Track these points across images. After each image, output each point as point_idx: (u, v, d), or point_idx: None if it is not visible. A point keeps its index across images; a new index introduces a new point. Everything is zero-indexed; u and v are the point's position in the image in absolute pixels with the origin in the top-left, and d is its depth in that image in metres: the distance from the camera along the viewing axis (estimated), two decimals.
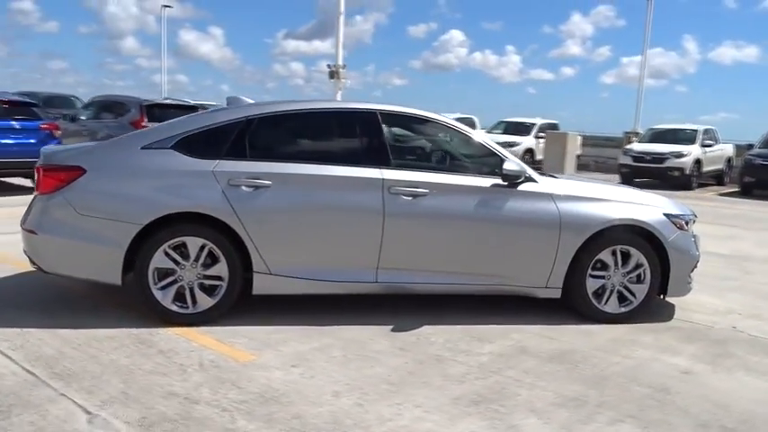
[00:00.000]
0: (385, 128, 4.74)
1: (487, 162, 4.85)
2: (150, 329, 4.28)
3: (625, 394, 3.69)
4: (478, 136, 4.88)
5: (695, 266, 5.15)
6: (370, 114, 4.75)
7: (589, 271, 4.84)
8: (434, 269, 4.71)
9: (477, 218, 4.70)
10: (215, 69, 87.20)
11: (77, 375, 3.57)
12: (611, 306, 4.92)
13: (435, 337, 4.44)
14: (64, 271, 4.43)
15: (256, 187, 4.42)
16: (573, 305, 4.92)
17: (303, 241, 4.53)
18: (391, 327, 4.57)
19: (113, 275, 4.33)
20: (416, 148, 5.10)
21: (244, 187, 4.39)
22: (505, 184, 4.71)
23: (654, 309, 5.12)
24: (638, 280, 4.93)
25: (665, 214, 4.99)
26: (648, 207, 5.02)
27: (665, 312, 5.24)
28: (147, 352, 3.94)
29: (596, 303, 4.89)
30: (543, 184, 4.84)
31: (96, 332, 4.20)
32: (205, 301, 4.42)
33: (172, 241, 4.33)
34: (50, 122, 10.82)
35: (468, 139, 4.92)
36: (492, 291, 4.84)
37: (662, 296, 5.05)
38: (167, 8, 35.61)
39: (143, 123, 11.45)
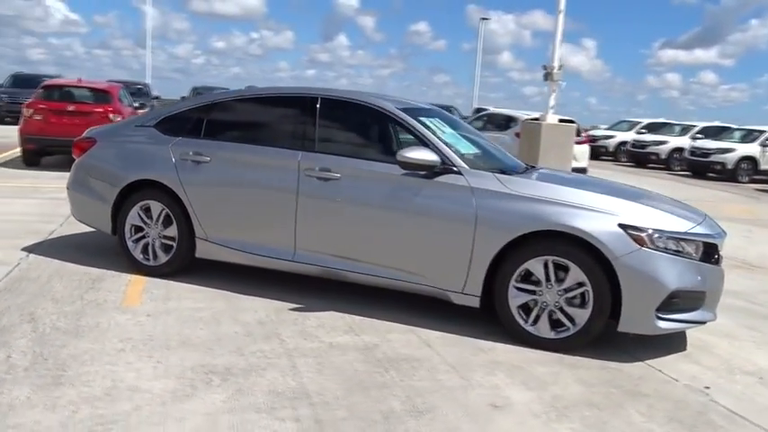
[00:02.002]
0: (322, 113, 4.83)
1: None
2: (112, 272, 5.21)
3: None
4: (416, 125, 4.57)
5: (670, 299, 3.99)
6: (311, 100, 4.91)
7: (513, 281, 4.18)
8: (349, 256, 4.63)
9: (388, 207, 4.48)
10: (584, 81, 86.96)
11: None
12: (542, 329, 4.16)
13: (311, 321, 4.42)
14: (81, 219, 5.64)
15: (198, 162, 5.00)
16: (499, 319, 4.30)
17: (233, 214, 4.94)
18: (294, 306, 4.68)
19: (107, 226, 5.38)
20: (349, 134, 4.97)
21: (189, 161, 5.02)
22: (422, 173, 4.39)
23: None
24: (582, 303, 4.06)
25: (620, 225, 4.00)
26: (600, 214, 4.08)
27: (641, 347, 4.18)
28: (88, 284, 4.86)
29: (521, 321, 4.20)
30: (468, 176, 4.35)
31: (84, 269, 5.29)
32: (162, 257, 5.17)
33: (141, 203, 5.18)
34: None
35: (404, 127, 4.66)
36: (410, 289, 4.52)
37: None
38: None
39: None
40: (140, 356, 3.63)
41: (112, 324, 4.10)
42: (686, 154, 20.38)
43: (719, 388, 3.77)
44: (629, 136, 24.02)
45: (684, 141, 22.03)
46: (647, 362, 4.10)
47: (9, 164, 11.71)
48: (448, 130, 4.83)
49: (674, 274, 3.97)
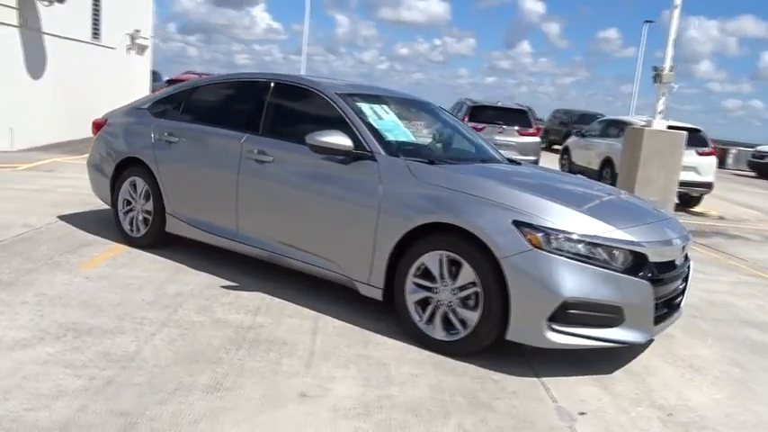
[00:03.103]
0: (271, 97, 4.88)
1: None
2: (104, 241, 5.67)
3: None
4: (346, 109, 4.42)
5: (564, 309, 3.51)
6: (264, 84, 4.98)
7: (410, 276, 3.94)
8: (279, 239, 4.64)
9: (308, 191, 4.42)
10: None
11: None
12: (436, 329, 3.87)
13: (227, 298, 4.48)
14: (95, 193, 6.18)
15: (170, 142, 5.29)
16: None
17: (191, 192, 5.16)
18: (228, 284, 4.78)
19: (108, 199, 5.87)
20: (290, 118, 4.85)
21: (164, 141, 5.33)
22: (340, 158, 4.28)
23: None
24: (475, 304, 3.73)
25: (515, 222, 3.60)
26: (498, 208, 3.69)
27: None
28: (72, 248, 5.35)
29: (415, 318, 3.94)
30: (381, 163, 4.16)
31: (84, 236, 5.83)
32: (142, 230, 5.54)
33: (130, 179, 5.60)
34: None
35: (338, 114, 4.52)
36: (327, 276, 4.42)
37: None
38: None
39: None
40: (31, 310, 3.94)
41: (46, 281, 4.48)
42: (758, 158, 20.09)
43: (599, 418, 3.25)
44: None
45: None
46: (543, 378, 3.64)
47: None
48: (389, 117, 4.64)
49: (571, 281, 3.49)
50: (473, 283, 3.69)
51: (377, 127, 4.42)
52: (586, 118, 23.60)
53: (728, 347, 4.54)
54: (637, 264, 3.65)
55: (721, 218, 11.83)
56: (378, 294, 4.12)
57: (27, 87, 11.82)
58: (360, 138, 4.26)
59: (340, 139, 4.17)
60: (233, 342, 3.72)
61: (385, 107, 4.70)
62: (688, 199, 12.59)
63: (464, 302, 3.75)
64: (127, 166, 5.59)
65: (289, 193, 4.51)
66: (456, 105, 14.70)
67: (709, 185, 12.20)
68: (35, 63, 12.08)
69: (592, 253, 3.55)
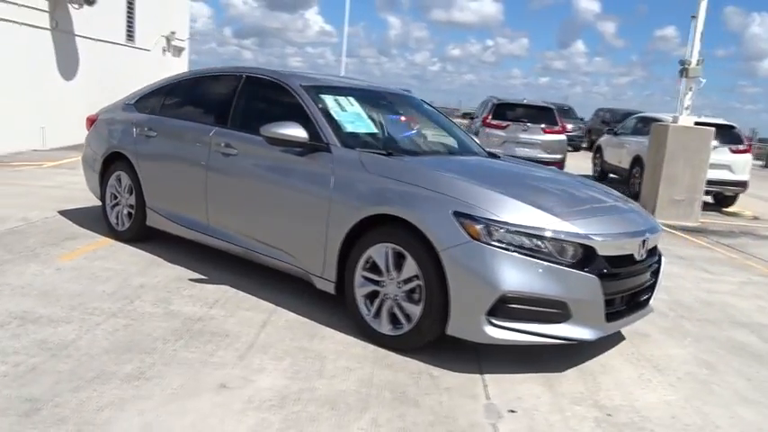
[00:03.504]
0: (241, 90, 4.87)
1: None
2: (92, 234, 5.79)
3: None
4: (306, 101, 4.37)
5: (504, 303, 3.38)
6: (235, 78, 4.99)
7: (359, 269, 3.87)
8: (244, 233, 4.63)
9: (269, 183, 4.40)
10: None
11: None
12: (382, 323, 3.79)
13: (189, 291, 4.50)
14: (88, 187, 6.31)
15: (149, 136, 5.36)
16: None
17: (167, 186, 5.20)
18: (196, 277, 4.81)
19: (98, 194, 6.00)
20: (256, 110, 4.79)
21: (144, 136, 5.40)
22: (297, 150, 4.25)
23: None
24: (419, 298, 3.63)
25: (455, 212, 3.49)
26: (439, 198, 3.58)
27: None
28: (57, 241, 5.48)
29: (364, 312, 3.87)
30: (335, 154, 4.10)
31: (74, 230, 5.97)
32: (126, 224, 5.63)
33: (116, 173, 5.70)
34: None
35: (299, 105, 4.47)
36: (287, 269, 4.38)
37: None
38: None
39: None
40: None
41: (17, 272, 4.59)
42: None
43: (528, 416, 3.11)
44: None
45: None
46: (487, 375, 3.52)
47: None
48: (353, 109, 4.57)
49: (510, 274, 3.35)
50: (416, 277, 3.60)
51: (337, 119, 4.36)
52: (630, 117, 22.98)
53: (706, 348, 4.30)
54: (584, 257, 3.49)
55: (755, 218, 11.29)
56: (331, 288, 4.06)
57: (59, 88, 12.23)
58: (317, 129, 4.22)
59: (294, 131, 4.13)
60: (175, 333, 3.73)
61: (351, 99, 4.62)
62: (722, 198, 12.08)
63: (409, 296, 3.65)
64: (113, 161, 5.69)
65: (251, 186, 4.51)
66: (482, 104, 14.50)
67: (743, 184, 11.66)
68: (67, 64, 12.49)
69: (534, 245, 3.41)
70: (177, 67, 17.64)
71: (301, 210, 4.16)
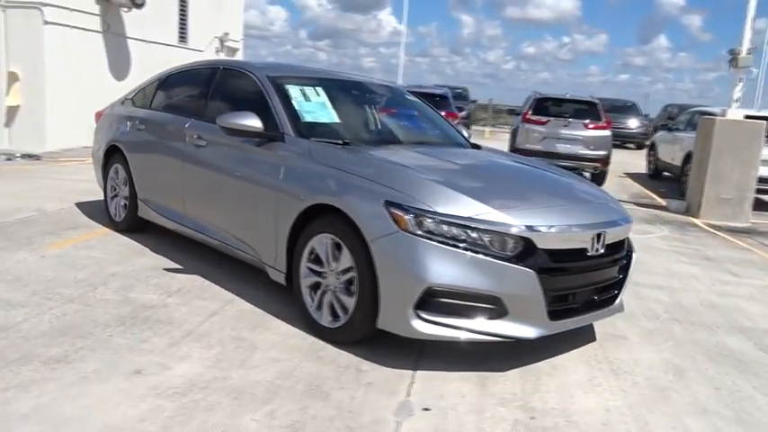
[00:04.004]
0: (217, 82, 4.90)
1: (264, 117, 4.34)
2: (94, 225, 5.98)
3: None
4: (269, 91, 4.33)
5: (432, 296, 3.24)
6: (212, 70, 5.03)
7: (304, 260, 3.81)
8: (213, 223, 4.66)
9: (229, 174, 4.39)
10: None
11: None
12: (323, 315, 3.72)
13: (156, 280, 4.56)
14: (96, 180, 6.51)
15: (139, 130, 5.48)
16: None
17: (152, 177, 5.31)
18: (171, 266, 4.87)
19: (101, 183, 6.19)
20: (228, 102, 4.75)
21: (135, 130, 5.53)
22: (256, 140, 4.23)
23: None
24: (355, 290, 3.54)
25: (386, 202, 3.37)
26: (374, 188, 3.47)
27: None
28: (58, 231, 5.69)
29: (308, 303, 3.81)
30: (288, 144, 4.05)
31: (78, 221, 6.18)
32: (122, 214, 5.79)
33: (114, 166, 5.87)
34: (448, 112, 12.65)
35: (262, 95, 4.42)
36: (249, 260, 4.37)
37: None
38: None
39: None
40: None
41: (4, 258, 4.78)
42: None
43: (441, 416, 2.95)
44: None
45: None
46: (420, 372, 3.38)
47: None
48: (318, 99, 4.49)
49: (437, 266, 3.20)
50: (351, 268, 3.50)
51: (297, 108, 4.30)
52: (685, 111, 21.93)
53: (684, 354, 3.98)
54: (522, 250, 3.29)
55: None
56: (282, 279, 4.01)
57: (111, 87, 12.73)
58: (274, 119, 4.19)
59: (248, 121, 4.10)
60: (120, 320, 3.77)
61: (319, 90, 4.55)
62: None
63: (347, 288, 3.56)
64: (113, 154, 5.85)
65: (217, 177, 4.52)
66: (526, 100, 14.10)
67: None
68: (119, 65, 13.01)
69: (464, 236, 3.24)
70: None
71: (257, 200, 4.14)
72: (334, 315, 3.64)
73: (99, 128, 6.22)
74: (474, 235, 3.24)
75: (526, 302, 3.29)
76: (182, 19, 15.28)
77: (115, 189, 5.86)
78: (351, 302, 3.51)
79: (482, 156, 4.71)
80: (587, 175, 11.98)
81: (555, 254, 3.38)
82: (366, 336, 3.52)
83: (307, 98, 4.46)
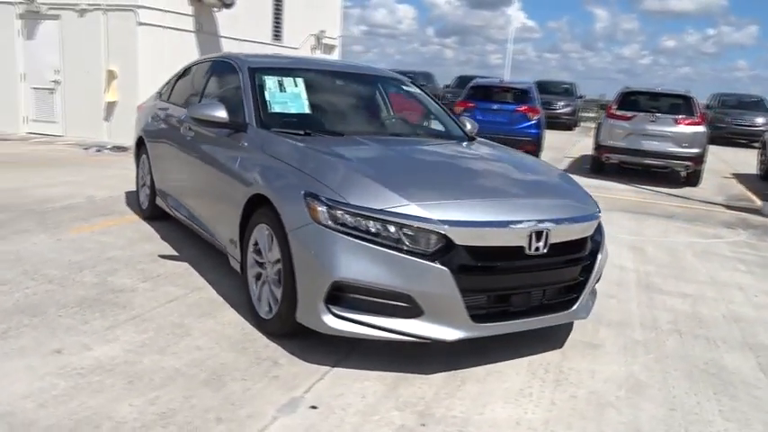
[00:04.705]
0: (214, 74, 5.01)
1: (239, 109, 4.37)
2: (127, 213, 6.33)
3: None
4: (246, 85, 4.33)
5: (341, 291, 3.12)
6: (210, 63, 5.15)
7: (250, 250, 3.82)
8: (198, 212, 4.77)
9: (205, 162, 4.49)
10: None
11: None
12: (262, 306, 3.70)
13: (145, 266, 4.74)
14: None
15: (156, 121, 5.73)
16: None
17: (162, 168, 5.52)
18: (168, 254, 5.05)
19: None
20: (218, 92, 4.78)
21: (156, 121, 5.78)
22: (226, 130, 4.28)
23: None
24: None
25: (306, 193, 3.28)
26: (301, 178, 3.39)
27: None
28: (91, 217, 6.08)
29: (252, 293, 3.81)
30: (250, 135, 4.06)
31: (115, 208, 6.57)
32: (146, 202, 6.08)
33: (141, 157, 6.18)
34: (528, 107, 12.16)
35: (240, 88, 4.45)
36: (220, 248, 4.43)
37: None
38: None
39: None
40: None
41: (21, 240, 5.17)
42: None
43: (324, 415, 2.83)
44: None
45: None
46: (337, 369, 3.27)
47: None
48: (294, 90, 4.45)
49: (346, 260, 3.07)
50: (280, 260, 3.44)
51: (267, 99, 4.30)
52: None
53: (659, 369, 3.56)
54: (438, 246, 3.07)
55: None
56: (238, 267, 4.03)
57: None
58: (243, 109, 4.21)
59: (214, 111, 4.15)
60: (80, 302, 3.94)
61: (298, 81, 4.51)
62: None
63: (279, 279, 3.51)
64: (141, 145, 6.16)
65: (197, 166, 4.63)
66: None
67: None
68: None
69: (375, 230, 3.08)
70: None
71: (220, 189, 4.20)
72: (270, 306, 3.59)
73: (136, 120, 6.55)
74: (386, 229, 3.07)
75: (442, 302, 3.08)
76: (276, 17, 15.79)
77: (143, 178, 6.15)
78: (279, 293, 3.45)
79: (456, 149, 4.46)
80: (683, 174, 11.06)
81: (480, 252, 3.13)
82: (295, 329, 3.43)
83: (282, 89, 4.43)
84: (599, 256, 3.61)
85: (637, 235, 7.08)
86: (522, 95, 12.50)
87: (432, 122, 4.95)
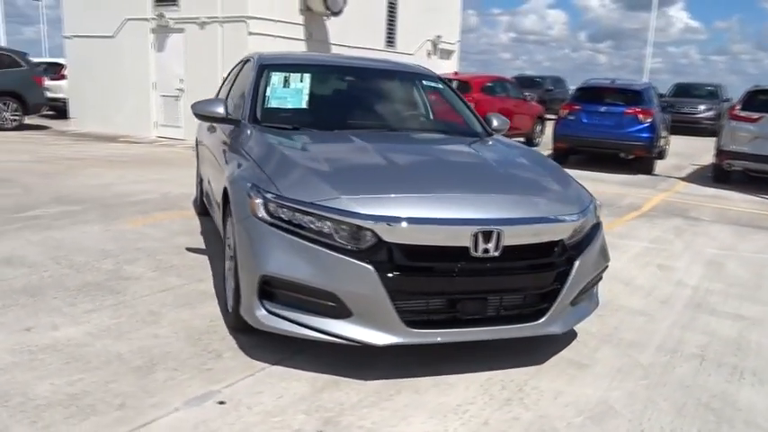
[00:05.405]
0: (239, 73, 5.12)
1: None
2: (187, 205, 6.64)
3: None
4: (252, 81, 4.34)
5: (270, 286, 3.03)
6: (243, 63, 5.24)
7: (226, 243, 3.83)
8: (214, 208, 4.89)
9: (214, 158, 4.60)
10: None
11: None
12: (229, 299, 3.70)
13: (167, 257, 4.92)
14: None
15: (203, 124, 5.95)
16: None
17: (202, 165, 5.72)
18: (200, 248, 5.22)
19: None
20: (242, 89, 4.79)
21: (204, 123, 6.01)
22: (230, 126, 4.36)
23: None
24: None
25: (251, 185, 3.23)
26: (254, 172, 3.34)
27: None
28: (149, 211, 6.46)
29: (228, 285, 3.82)
30: (240, 128, 4.10)
31: (179, 204, 6.91)
32: (199, 201, 6.34)
33: (198, 157, 6.46)
34: (639, 109, 11.29)
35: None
36: None
37: None
38: None
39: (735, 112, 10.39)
40: (23, 243, 5.05)
41: (77, 229, 5.58)
42: None
43: (228, 412, 2.74)
44: None
45: None
46: (275, 367, 3.17)
47: None
48: (298, 86, 4.42)
49: (274, 254, 2.97)
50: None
51: (266, 95, 4.32)
52: None
53: (644, 398, 3.08)
54: (367, 244, 2.88)
55: None
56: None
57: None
58: (242, 105, 4.26)
59: (212, 107, 4.23)
60: (82, 286, 4.15)
61: (305, 76, 4.48)
62: None
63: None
64: (198, 146, 6.44)
65: (211, 161, 4.75)
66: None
67: None
68: None
69: (305, 224, 2.95)
70: (445, 69, 18.32)
71: (216, 185, 4.26)
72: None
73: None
74: (316, 223, 2.93)
75: (369, 304, 2.87)
76: (390, 22, 15.93)
77: (198, 177, 6.42)
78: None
79: (449, 145, 4.21)
80: None
81: (416, 252, 2.89)
82: (247, 324, 3.37)
83: (286, 84, 4.42)
84: (576, 263, 3.19)
85: (726, 249, 6.27)
86: (634, 97, 11.62)
87: (450, 118, 4.69)
